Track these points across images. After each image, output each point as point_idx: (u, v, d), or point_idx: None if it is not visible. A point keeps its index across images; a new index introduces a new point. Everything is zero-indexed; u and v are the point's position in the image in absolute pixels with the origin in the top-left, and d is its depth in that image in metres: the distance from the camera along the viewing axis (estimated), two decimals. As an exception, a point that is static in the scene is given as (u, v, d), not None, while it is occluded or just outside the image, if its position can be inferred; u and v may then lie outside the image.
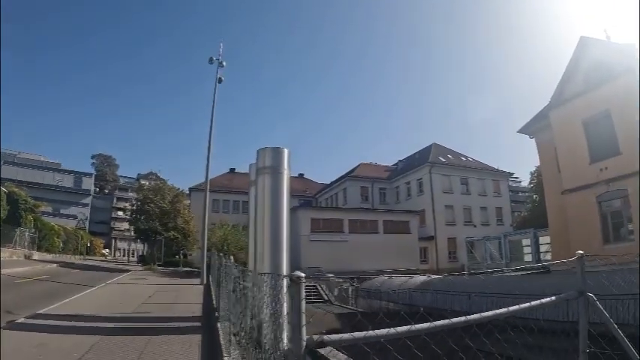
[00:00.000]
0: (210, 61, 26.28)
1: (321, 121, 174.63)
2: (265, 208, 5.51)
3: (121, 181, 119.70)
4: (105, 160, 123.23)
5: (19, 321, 9.52)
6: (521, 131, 28.00)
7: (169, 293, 17.59)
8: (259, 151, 5.73)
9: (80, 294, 15.13)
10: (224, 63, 26.72)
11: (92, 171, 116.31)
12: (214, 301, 12.65)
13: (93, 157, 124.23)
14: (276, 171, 5.60)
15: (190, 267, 41.49)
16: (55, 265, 30.10)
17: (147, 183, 46.56)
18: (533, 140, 27.72)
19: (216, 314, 10.08)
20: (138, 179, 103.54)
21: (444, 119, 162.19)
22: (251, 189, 7.19)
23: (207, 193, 25.69)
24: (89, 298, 14.74)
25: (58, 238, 50.86)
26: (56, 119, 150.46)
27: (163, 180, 47.80)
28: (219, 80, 26.60)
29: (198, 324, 10.58)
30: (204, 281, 22.48)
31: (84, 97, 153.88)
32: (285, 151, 5.69)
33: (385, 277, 31.14)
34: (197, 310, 13.04)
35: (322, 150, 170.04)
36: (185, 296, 16.76)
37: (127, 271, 31.91)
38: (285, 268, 5.16)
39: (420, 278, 27.78)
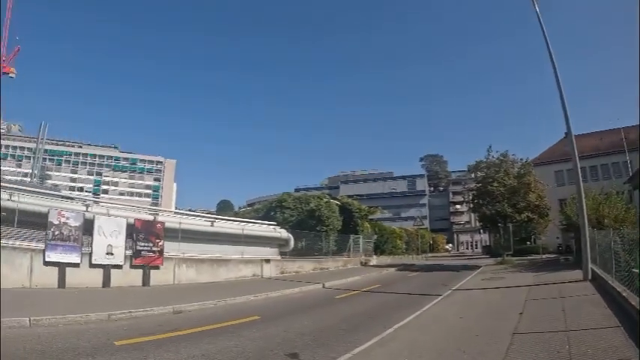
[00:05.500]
0: None
1: None
2: None
3: (453, 176, 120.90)
4: (433, 159, 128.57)
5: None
6: None
7: (547, 304, 10.72)
8: None
9: (415, 314, 10.42)
10: None
11: (423, 172, 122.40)
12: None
13: (421, 159, 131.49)
14: None
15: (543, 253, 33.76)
16: (392, 269, 28.03)
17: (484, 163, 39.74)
18: None
19: None
20: (469, 170, 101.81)
21: None
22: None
23: (575, 150, 16.85)
24: (426, 322, 9.72)
25: (400, 240, 51.56)
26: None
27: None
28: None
29: None
30: (589, 275, 14.50)
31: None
32: None
33: None
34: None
35: None
36: (576, 311, 9.42)
37: (476, 267, 27.26)
38: None
39: None
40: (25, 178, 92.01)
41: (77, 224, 13.59)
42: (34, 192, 16.10)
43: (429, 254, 56.80)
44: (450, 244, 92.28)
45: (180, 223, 18.17)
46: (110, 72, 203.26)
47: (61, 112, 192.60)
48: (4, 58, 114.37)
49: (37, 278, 12.27)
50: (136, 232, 15.39)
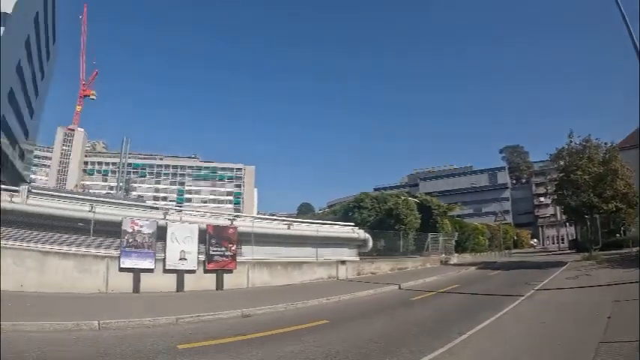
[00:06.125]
0: None
1: None
2: None
3: (535, 167, 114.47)
4: (514, 150, 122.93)
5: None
6: None
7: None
8: None
9: (492, 318, 9.64)
10: None
11: (504, 164, 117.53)
12: None
13: (501, 151, 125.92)
14: None
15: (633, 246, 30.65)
16: (472, 267, 26.88)
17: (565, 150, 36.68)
18: None
19: None
20: (551, 160, 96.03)
21: None
22: None
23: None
24: (503, 327, 8.92)
25: (482, 236, 49.43)
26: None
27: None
28: None
29: None
30: None
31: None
32: None
33: None
34: None
35: None
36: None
37: (562, 264, 25.23)
38: None
39: None
40: (110, 191, 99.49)
41: (150, 231, 14.11)
42: (113, 203, 17.04)
43: (513, 250, 54.18)
44: (535, 239, 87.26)
45: (252, 227, 18.38)
46: (194, 82, 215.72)
47: (145, 125, 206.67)
48: (83, 82, 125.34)
49: (112, 284, 12.90)
50: (209, 237, 15.72)
